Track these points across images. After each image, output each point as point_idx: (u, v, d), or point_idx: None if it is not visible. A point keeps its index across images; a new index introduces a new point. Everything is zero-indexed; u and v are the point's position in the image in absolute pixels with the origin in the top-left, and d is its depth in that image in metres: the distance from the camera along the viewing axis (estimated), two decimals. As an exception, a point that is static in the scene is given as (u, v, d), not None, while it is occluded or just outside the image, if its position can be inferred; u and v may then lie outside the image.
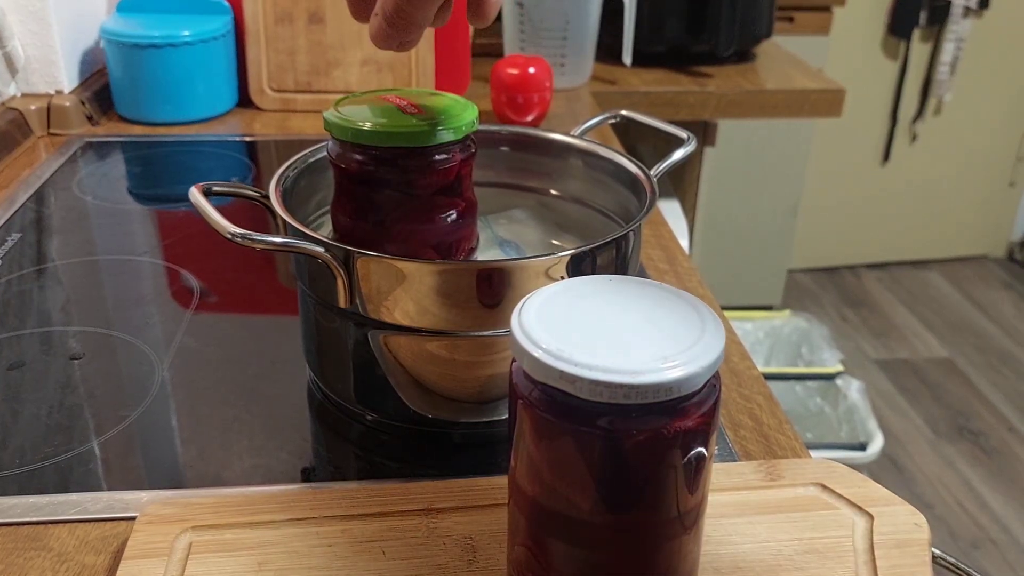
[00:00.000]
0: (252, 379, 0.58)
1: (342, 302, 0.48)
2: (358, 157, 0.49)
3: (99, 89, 1.05)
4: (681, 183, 1.45)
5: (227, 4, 1.04)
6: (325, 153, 0.57)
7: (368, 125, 0.48)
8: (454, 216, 0.52)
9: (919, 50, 2.50)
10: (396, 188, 0.50)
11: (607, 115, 0.65)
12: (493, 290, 0.46)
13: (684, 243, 1.16)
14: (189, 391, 0.57)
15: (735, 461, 0.51)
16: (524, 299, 0.37)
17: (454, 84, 1.09)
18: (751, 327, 1.97)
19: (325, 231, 0.57)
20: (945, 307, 2.56)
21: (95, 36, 1.09)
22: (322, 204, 0.59)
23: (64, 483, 0.49)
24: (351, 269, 0.46)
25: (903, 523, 0.44)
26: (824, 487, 0.46)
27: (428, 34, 0.99)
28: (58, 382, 0.57)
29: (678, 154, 0.58)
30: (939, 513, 1.82)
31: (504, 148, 0.63)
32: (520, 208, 0.63)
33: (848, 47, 2.39)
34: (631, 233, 0.50)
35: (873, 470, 1.82)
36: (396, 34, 0.45)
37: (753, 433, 0.54)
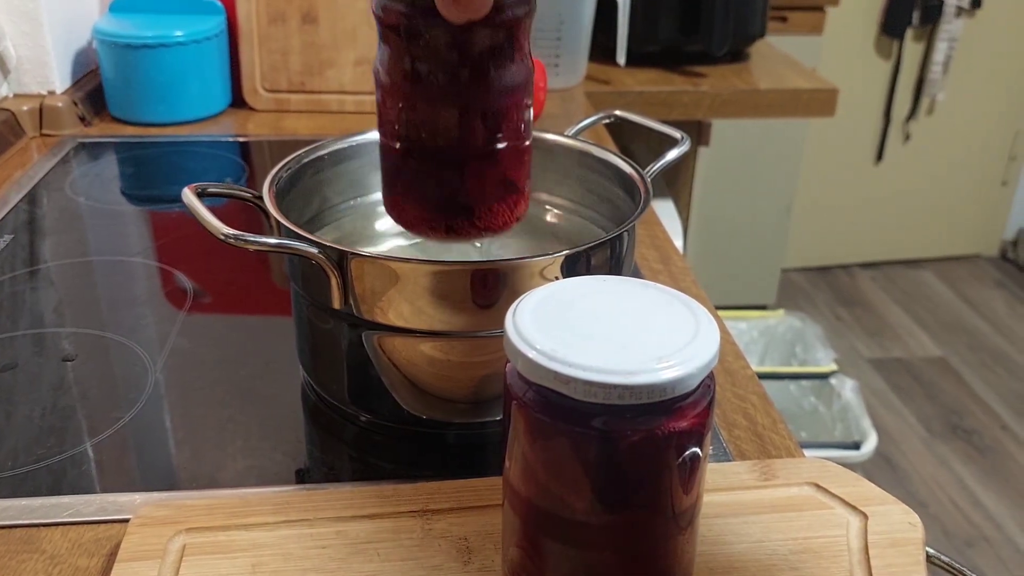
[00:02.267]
0: (246, 380, 0.58)
1: (336, 303, 0.48)
2: (400, 8, 0.45)
3: (92, 90, 1.05)
4: (675, 183, 1.45)
5: (220, 4, 1.04)
6: (320, 153, 0.57)
7: None
8: (505, 79, 0.46)
9: (912, 49, 2.51)
10: (439, 44, 0.45)
11: (601, 115, 0.65)
12: (487, 291, 0.46)
13: (678, 243, 1.16)
14: (182, 392, 0.57)
15: (730, 461, 0.51)
16: (518, 300, 0.37)
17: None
18: (745, 327, 1.97)
19: (319, 232, 0.57)
20: (938, 306, 2.56)
21: (87, 36, 1.09)
22: (317, 205, 0.58)
23: (57, 485, 0.49)
24: (344, 270, 0.46)
25: (897, 522, 0.44)
26: (818, 486, 0.46)
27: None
28: (51, 384, 0.57)
29: (672, 154, 0.58)
30: (933, 512, 1.82)
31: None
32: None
33: (841, 47, 2.39)
34: (625, 233, 0.50)
35: (867, 469, 1.82)
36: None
37: (747, 433, 0.54)
